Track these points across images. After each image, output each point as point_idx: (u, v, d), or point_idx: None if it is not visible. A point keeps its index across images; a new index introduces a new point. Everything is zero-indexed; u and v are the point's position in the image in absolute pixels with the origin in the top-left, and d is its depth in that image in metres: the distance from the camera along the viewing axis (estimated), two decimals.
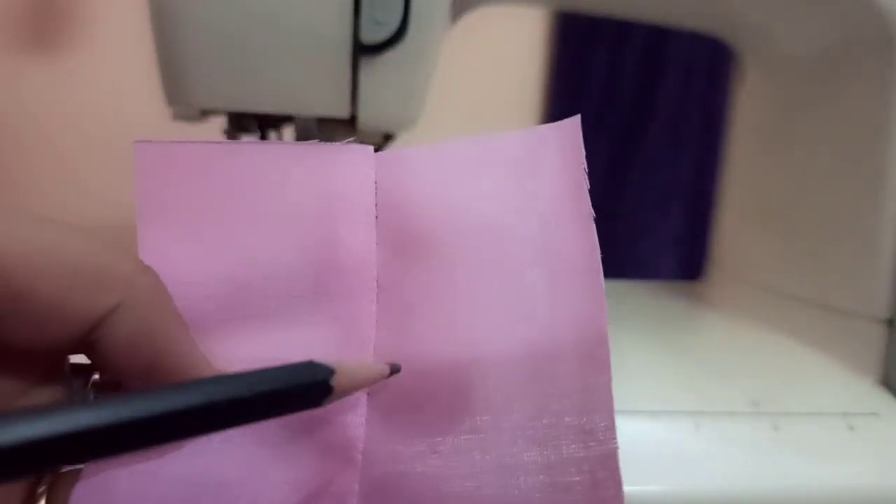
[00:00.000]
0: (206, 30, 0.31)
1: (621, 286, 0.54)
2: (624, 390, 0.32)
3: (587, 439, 0.19)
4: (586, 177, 0.21)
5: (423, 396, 0.20)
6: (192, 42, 0.32)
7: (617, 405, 0.30)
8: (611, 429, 0.19)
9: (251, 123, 0.37)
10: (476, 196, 0.22)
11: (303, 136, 0.35)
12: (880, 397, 0.34)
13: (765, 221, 0.45)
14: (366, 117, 0.34)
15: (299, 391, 0.17)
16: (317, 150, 0.22)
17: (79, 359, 0.19)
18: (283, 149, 0.22)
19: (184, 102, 0.33)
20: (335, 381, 0.17)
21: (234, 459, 0.19)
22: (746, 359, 0.39)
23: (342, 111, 0.34)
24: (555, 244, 0.21)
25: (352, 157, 0.22)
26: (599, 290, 0.20)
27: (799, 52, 0.41)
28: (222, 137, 0.38)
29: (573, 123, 0.22)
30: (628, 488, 0.27)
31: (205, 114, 0.36)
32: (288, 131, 0.38)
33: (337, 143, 0.22)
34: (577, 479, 0.18)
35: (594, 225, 0.21)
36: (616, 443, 0.18)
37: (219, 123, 0.38)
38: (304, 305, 0.21)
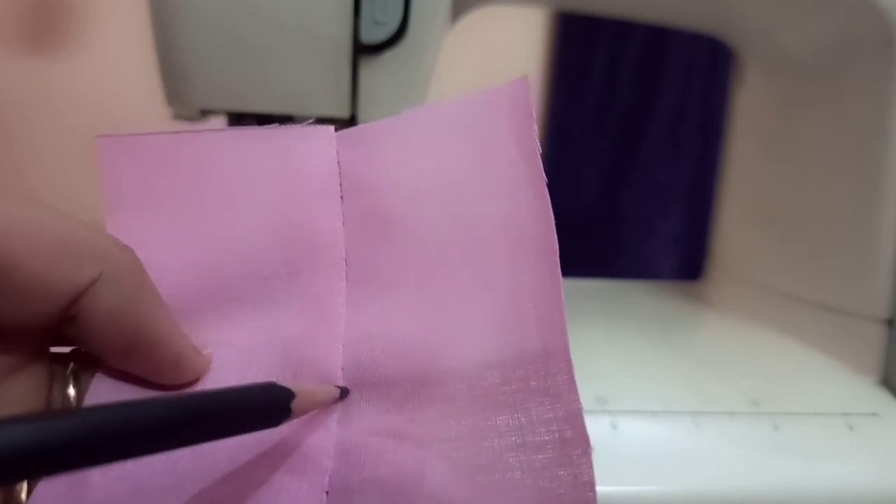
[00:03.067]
0: (206, 30, 0.31)
1: (621, 286, 0.54)
2: (624, 390, 0.32)
3: (553, 401, 0.19)
4: (537, 137, 0.22)
5: (396, 372, 0.21)
6: (192, 42, 0.32)
7: (617, 405, 0.31)
8: (573, 390, 0.19)
9: (251, 123, 0.37)
10: (435, 166, 0.22)
11: None
12: (880, 397, 0.34)
13: (765, 221, 0.45)
14: (366, 117, 0.34)
15: (260, 412, 0.17)
16: (279, 133, 0.23)
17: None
18: (246, 133, 0.22)
19: (184, 102, 0.33)
20: (294, 405, 0.18)
21: None
22: (746, 359, 0.39)
23: (342, 111, 0.34)
24: (510, 209, 0.21)
25: (314, 137, 0.23)
26: (553, 256, 0.20)
27: (799, 52, 0.41)
28: None
29: (523, 82, 0.22)
30: (629, 488, 0.27)
31: (205, 114, 0.36)
32: None
33: (298, 125, 0.23)
34: (548, 438, 0.19)
35: (546, 188, 0.21)
36: (579, 403, 0.19)
37: (219, 123, 0.38)
38: (275, 286, 0.22)
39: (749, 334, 0.42)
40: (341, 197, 0.23)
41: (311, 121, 0.23)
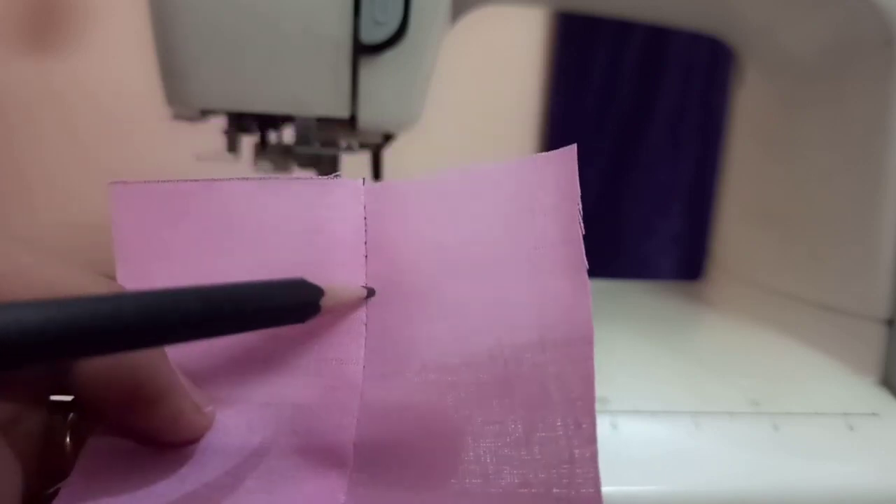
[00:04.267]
0: (206, 30, 0.31)
1: (621, 286, 0.54)
2: (624, 390, 0.32)
3: None
4: (581, 222, 0.20)
5: (411, 452, 0.19)
6: (192, 42, 0.32)
7: (617, 405, 0.31)
8: (598, 501, 0.18)
9: (251, 123, 0.37)
10: (467, 234, 0.21)
11: (303, 136, 0.35)
12: (880, 397, 0.34)
13: (765, 221, 0.45)
14: (366, 117, 0.34)
15: (290, 306, 0.18)
16: (303, 186, 0.22)
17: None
18: (267, 185, 0.21)
19: (184, 102, 0.33)
20: (323, 302, 0.18)
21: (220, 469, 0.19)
22: (746, 359, 0.39)
23: (342, 111, 0.34)
24: (546, 296, 0.20)
25: (340, 192, 0.22)
26: (590, 357, 0.19)
27: (799, 52, 0.41)
28: (222, 137, 0.38)
29: (569, 154, 0.21)
30: (629, 488, 0.27)
31: (205, 114, 0.36)
32: (288, 131, 0.38)
33: (324, 179, 0.22)
34: None
35: (587, 278, 0.20)
36: None
37: (219, 123, 0.38)
38: (289, 346, 0.21)
39: (749, 334, 0.42)
40: (365, 256, 0.22)
41: (337, 174, 0.22)
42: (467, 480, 0.19)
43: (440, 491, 0.19)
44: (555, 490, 0.18)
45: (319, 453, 0.20)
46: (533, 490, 0.18)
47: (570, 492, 0.18)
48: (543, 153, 0.21)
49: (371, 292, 0.20)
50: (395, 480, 0.19)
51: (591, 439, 0.18)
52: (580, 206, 0.20)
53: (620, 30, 0.78)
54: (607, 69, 0.79)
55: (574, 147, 0.21)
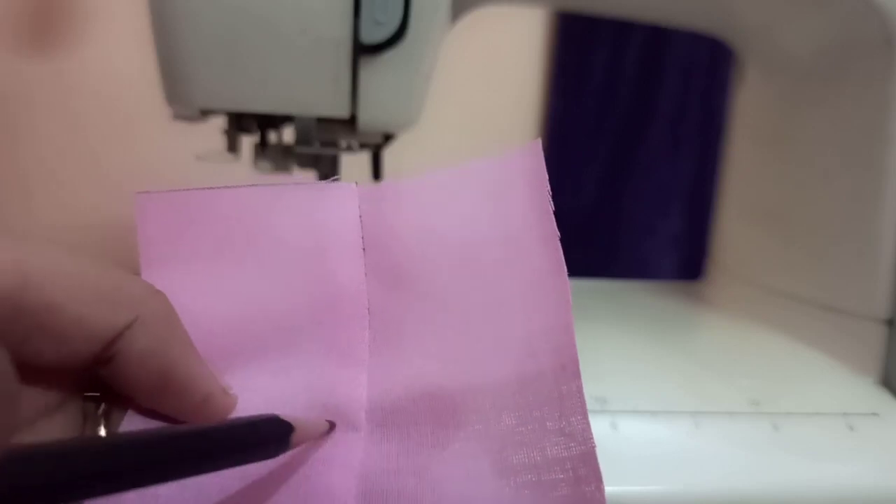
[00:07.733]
0: (206, 30, 0.31)
1: (621, 286, 0.54)
2: (624, 390, 0.32)
3: (567, 441, 0.20)
4: (550, 198, 0.23)
5: (417, 415, 0.22)
6: (192, 42, 0.32)
7: (617, 405, 0.31)
8: (587, 430, 0.20)
9: (251, 123, 0.37)
10: (453, 224, 0.24)
11: (303, 135, 0.35)
12: (880, 397, 0.34)
13: (765, 221, 0.45)
14: (366, 117, 0.34)
15: (260, 445, 0.18)
16: (303, 190, 0.24)
17: None
18: (273, 191, 0.24)
19: (184, 102, 0.34)
20: (293, 438, 0.19)
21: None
22: (746, 359, 0.39)
23: (342, 111, 0.34)
24: (527, 266, 0.23)
25: (336, 194, 0.24)
26: (566, 305, 0.22)
27: (799, 52, 0.41)
28: (222, 137, 0.38)
29: (535, 148, 0.24)
30: (629, 488, 0.27)
31: (205, 114, 0.36)
32: (288, 131, 0.38)
33: (322, 182, 0.24)
34: (562, 476, 0.20)
35: (559, 244, 0.23)
36: (593, 442, 0.20)
37: (219, 123, 0.38)
38: (301, 335, 0.23)
39: (749, 334, 0.42)
40: (363, 249, 0.24)
41: (335, 178, 0.24)
42: (470, 428, 0.21)
43: (447, 440, 0.21)
44: (548, 424, 0.21)
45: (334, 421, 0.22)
46: (529, 427, 0.21)
47: (560, 423, 0.21)
48: (510, 150, 0.24)
49: (332, 426, 0.22)
50: (405, 437, 0.21)
51: (575, 375, 0.21)
52: (549, 189, 0.23)
53: (620, 30, 0.78)
54: (607, 69, 0.79)
55: (539, 142, 0.24)
